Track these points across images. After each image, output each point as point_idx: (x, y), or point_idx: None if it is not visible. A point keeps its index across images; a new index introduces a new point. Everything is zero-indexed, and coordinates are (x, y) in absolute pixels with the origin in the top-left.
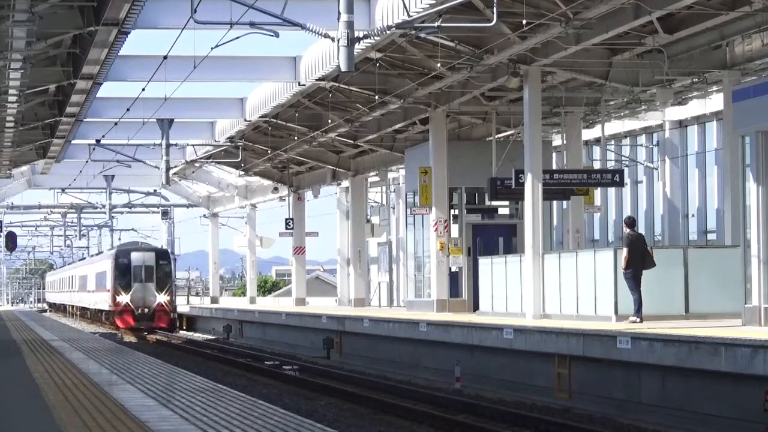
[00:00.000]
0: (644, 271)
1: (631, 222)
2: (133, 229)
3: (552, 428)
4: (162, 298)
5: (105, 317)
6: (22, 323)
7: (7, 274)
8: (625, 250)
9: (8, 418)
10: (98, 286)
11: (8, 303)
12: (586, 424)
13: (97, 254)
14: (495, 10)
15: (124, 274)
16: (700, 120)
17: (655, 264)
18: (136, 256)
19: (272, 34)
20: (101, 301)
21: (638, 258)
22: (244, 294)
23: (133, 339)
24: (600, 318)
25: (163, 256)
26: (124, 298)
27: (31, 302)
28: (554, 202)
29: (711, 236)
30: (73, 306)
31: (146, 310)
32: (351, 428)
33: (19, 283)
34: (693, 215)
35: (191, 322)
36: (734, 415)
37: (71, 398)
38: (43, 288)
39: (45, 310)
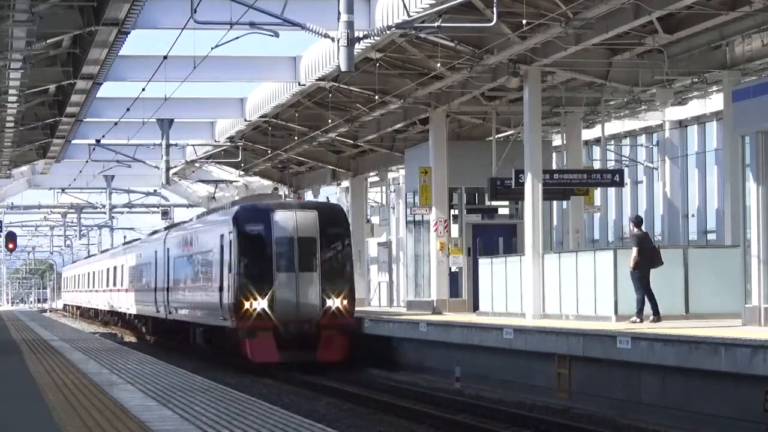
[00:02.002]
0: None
1: (639, 221)
2: (132, 229)
3: (552, 428)
4: (335, 302)
5: (214, 339)
6: (22, 323)
7: (7, 274)
8: (634, 250)
9: (8, 418)
10: (197, 277)
11: (8, 303)
12: (585, 424)
13: (176, 225)
14: (495, 10)
15: (256, 254)
16: (700, 120)
17: (663, 263)
18: (282, 219)
19: (272, 34)
20: (207, 308)
21: (646, 258)
22: None
23: (133, 339)
24: (600, 318)
25: (336, 218)
26: (258, 304)
27: (31, 302)
28: (554, 202)
29: (711, 236)
30: (116, 313)
31: (305, 326)
32: (351, 428)
33: (19, 283)
34: (693, 215)
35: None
36: (734, 415)
37: (71, 398)
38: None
39: (44, 311)
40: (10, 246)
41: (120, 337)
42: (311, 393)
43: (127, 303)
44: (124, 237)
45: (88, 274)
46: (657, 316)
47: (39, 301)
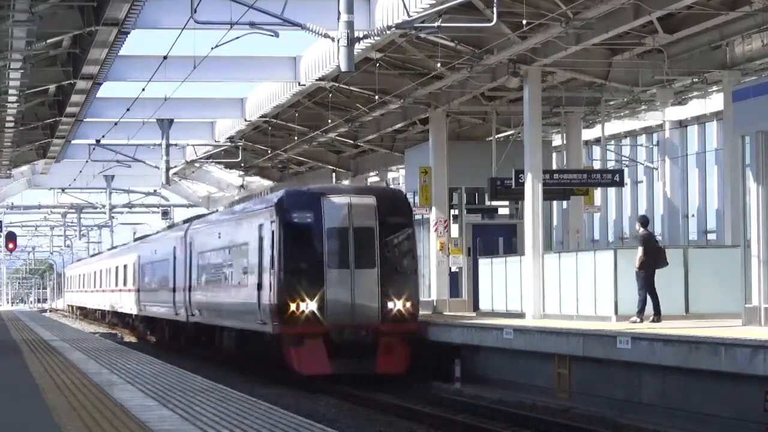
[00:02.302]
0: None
1: (645, 221)
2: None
3: (552, 428)
4: (396, 303)
5: (247, 346)
6: (22, 323)
7: (7, 274)
8: (640, 250)
9: (8, 418)
10: (228, 275)
11: (8, 303)
12: (585, 424)
13: (198, 217)
14: (495, 10)
15: (303, 247)
16: (700, 120)
17: (668, 263)
18: (334, 206)
19: (272, 34)
20: (240, 310)
21: (651, 258)
22: None
23: (133, 339)
24: (600, 318)
25: (397, 205)
26: (306, 306)
27: (31, 302)
28: (554, 202)
29: (711, 236)
30: (126, 315)
31: (361, 333)
32: (351, 428)
33: (19, 283)
34: (693, 215)
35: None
36: (734, 415)
37: (71, 398)
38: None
39: (44, 311)
40: (10, 246)
41: (120, 337)
42: (311, 393)
43: (138, 304)
44: (134, 233)
45: (94, 273)
46: (657, 317)
47: (39, 301)
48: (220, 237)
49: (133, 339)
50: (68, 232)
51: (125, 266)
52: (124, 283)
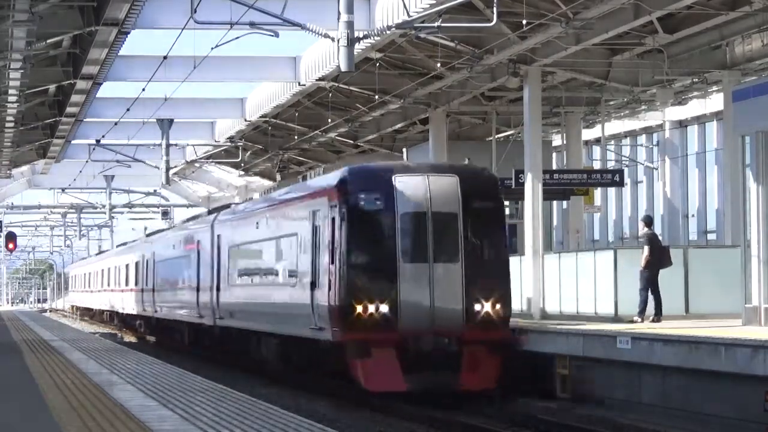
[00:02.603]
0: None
1: (650, 221)
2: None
3: (552, 428)
4: (484, 306)
5: (297, 356)
6: (22, 323)
7: (7, 274)
8: (646, 250)
9: (8, 418)
10: (270, 271)
11: (8, 303)
12: (585, 424)
13: (226, 206)
14: (495, 10)
15: (372, 237)
16: (700, 120)
17: (672, 263)
18: (409, 187)
19: (272, 34)
20: (288, 313)
21: (655, 257)
22: None
23: (133, 339)
24: (600, 318)
25: (485, 187)
26: (376, 308)
27: (31, 302)
28: (554, 202)
29: (711, 236)
30: (139, 317)
31: (443, 341)
32: (351, 428)
33: (19, 283)
34: (693, 215)
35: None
36: (734, 415)
37: (71, 398)
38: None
39: (44, 311)
40: (10, 246)
41: (120, 337)
42: (311, 393)
43: (153, 306)
44: (145, 228)
45: (101, 271)
46: (658, 316)
47: (39, 301)
48: (258, 228)
49: (133, 339)
50: (68, 232)
51: (136, 264)
52: (136, 283)
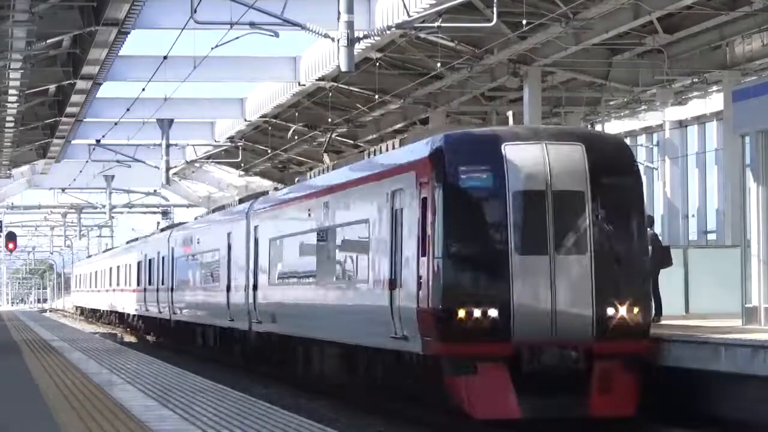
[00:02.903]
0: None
1: (651, 221)
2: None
3: (552, 428)
4: (619, 310)
5: (372, 369)
6: (22, 323)
7: (7, 274)
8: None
9: (8, 418)
10: (331, 267)
11: (8, 303)
12: (586, 424)
13: (263, 193)
14: (495, 10)
15: (476, 223)
16: (700, 120)
17: (672, 263)
18: (522, 159)
19: (272, 34)
20: (357, 317)
21: (656, 257)
22: None
23: (133, 339)
24: None
25: (618, 159)
26: (482, 312)
27: (31, 302)
28: None
29: (711, 236)
30: (153, 319)
31: (569, 355)
32: (351, 428)
33: (19, 283)
34: (693, 215)
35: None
36: (734, 416)
37: (71, 398)
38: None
39: (44, 311)
40: (10, 246)
41: (120, 337)
42: (311, 393)
43: (170, 307)
44: (158, 224)
45: (110, 269)
46: (658, 316)
47: (39, 301)
48: (310, 215)
49: (133, 339)
50: (68, 232)
51: (150, 261)
52: (149, 282)
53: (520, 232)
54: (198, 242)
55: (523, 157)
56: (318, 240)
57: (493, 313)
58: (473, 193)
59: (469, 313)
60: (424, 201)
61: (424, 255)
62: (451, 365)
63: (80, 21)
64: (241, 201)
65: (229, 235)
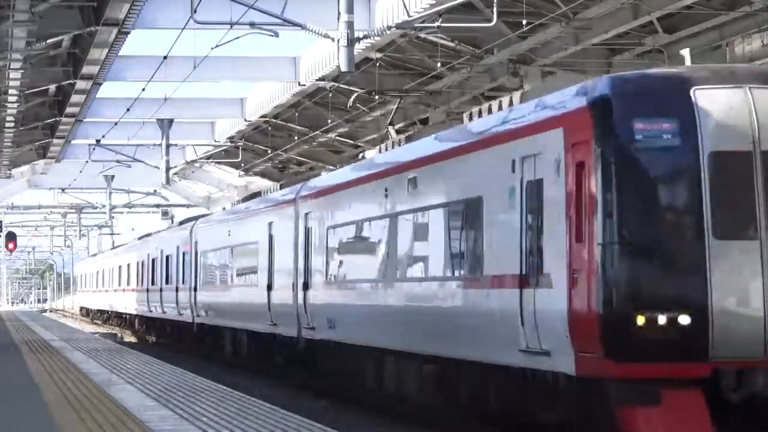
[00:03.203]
0: None
1: None
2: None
3: (554, 428)
4: None
5: (482, 391)
6: (22, 323)
7: (7, 274)
8: None
9: (8, 418)
10: (416, 260)
11: (8, 303)
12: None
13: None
14: (495, 9)
15: (653, 196)
16: None
17: None
18: (720, 109)
19: (272, 34)
20: (460, 324)
21: None
22: None
23: (133, 339)
24: None
25: None
26: (667, 320)
27: (31, 302)
28: None
29: None
30: (173, 323)
31: None
32: (351, 428)
33: (19, 283)
34: None
35: None
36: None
37: (71, 398)
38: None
39: (44, 311)
40: (10, 246)
41: (120, 337)
42: (311, 393)
43: (193, 309)
44: (172, 218)
45: (120, 267)
46: None
47: (39, 301)
48: (387, 195)
49: (133, 339)
50: (68, 232)
51: (167, 258)
52: (167, 281)
53: (720, 209)
54: (229, 235)
55: (722, 106)
56: (399, 226)
57: (684, 320)
58: (654, 156)
59: (651, 321)
60: (579, 168)
61: (579, 241)
62: (623, 392)
63: (80, 21)
64: (281, 186)
65: (270, 225)
